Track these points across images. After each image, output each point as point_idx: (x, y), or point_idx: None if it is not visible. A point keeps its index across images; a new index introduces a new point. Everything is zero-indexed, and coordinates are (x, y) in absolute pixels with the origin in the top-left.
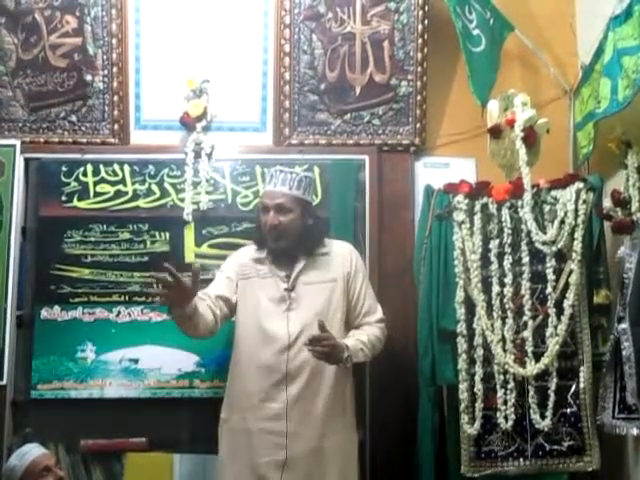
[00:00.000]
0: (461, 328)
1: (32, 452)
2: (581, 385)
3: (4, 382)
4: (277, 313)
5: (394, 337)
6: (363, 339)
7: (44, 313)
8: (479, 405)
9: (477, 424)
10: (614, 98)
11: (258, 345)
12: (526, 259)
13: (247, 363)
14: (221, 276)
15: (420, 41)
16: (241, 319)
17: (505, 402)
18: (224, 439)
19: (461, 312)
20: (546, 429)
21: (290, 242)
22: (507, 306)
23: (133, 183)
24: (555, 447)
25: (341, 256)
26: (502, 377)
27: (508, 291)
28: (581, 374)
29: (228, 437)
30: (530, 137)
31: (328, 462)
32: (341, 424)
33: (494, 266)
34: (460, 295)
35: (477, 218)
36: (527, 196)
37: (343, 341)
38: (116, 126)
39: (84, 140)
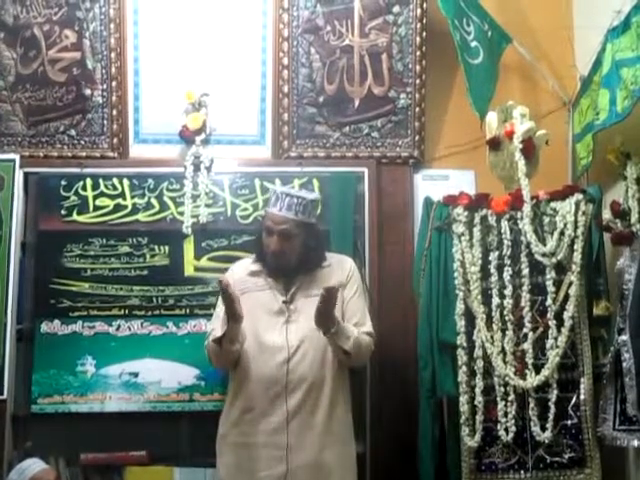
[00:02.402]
0: (461, 340)
1: (32, 468)
2: (581, 397)
3: (4, 396)
4: (276, 325)
5: (394, 349)
6: (355, 332)
7: (44, 327)
8: (479, 417)
9: (477, 436)
10: (613, 109)
11: (257, 358)
12: (526, 271)
13: (246, 376)
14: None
15: (418, 53)
16: None
17: (505, 414)
18: (223, 454)
19: (461, 324)
20: (547, 441)
21: (291, 263)
22: (507, 318)
23: (132, 197)
24: (556, 459)
25: (340, 269)
26: (502, 389)
27: (508, 303)
28: (581, 386)
29: (227, 452)
30: (529, 149)
31: (328, 475)
32: (340, 436)
33: (494, 278)
34: (460, 307)
35: (477, 230)
36: (526, 208)
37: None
38: (115, 140)
39: (83, 154)
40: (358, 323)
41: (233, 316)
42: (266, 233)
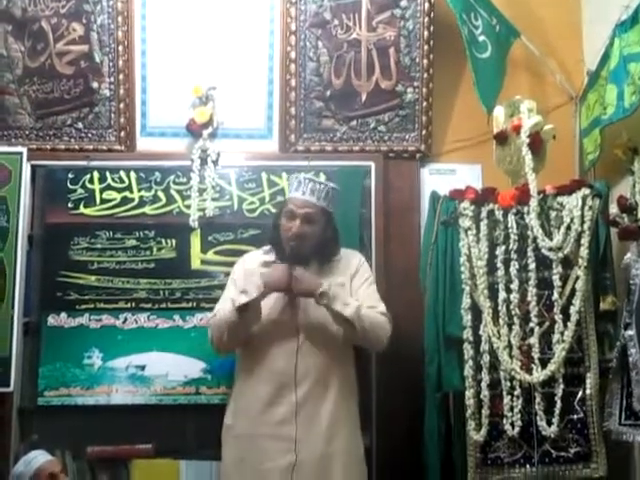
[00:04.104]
0: (467, 334)
1: (38, 459)
2: (587, 391)
3: (11, 389)
4: (285, 317)
5: (400, 343)
6: (355, 302)
7: (51, 320)
8: (485, 412)
9: (483, 431)
10: (620, 104)
11: (266, 348)
12: (532, 265)
13: (254, 367)
14: (232, 296)
15: (426, 48)
16: None
17: (511, 409)
18: (229, 445)
19: (467, 318)
20: (553, 436)
21: (308, 251)
22: (513, 312)
23: (139, 190)
24: (562, 454)
25: (349, 262)
26: (508, 384)
27: (514, 297)
28: (587, 380)
29: (233, 443)
30: (536, 143)
31: (336, 467)
32: (347, 428)
33: (500, 272)
34: (466, 301)
35: (483, 224)
36: (533, 202)
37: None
38: (122, 133)
39: (90, 147)
40: (372, 307)
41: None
42: (287, 218)
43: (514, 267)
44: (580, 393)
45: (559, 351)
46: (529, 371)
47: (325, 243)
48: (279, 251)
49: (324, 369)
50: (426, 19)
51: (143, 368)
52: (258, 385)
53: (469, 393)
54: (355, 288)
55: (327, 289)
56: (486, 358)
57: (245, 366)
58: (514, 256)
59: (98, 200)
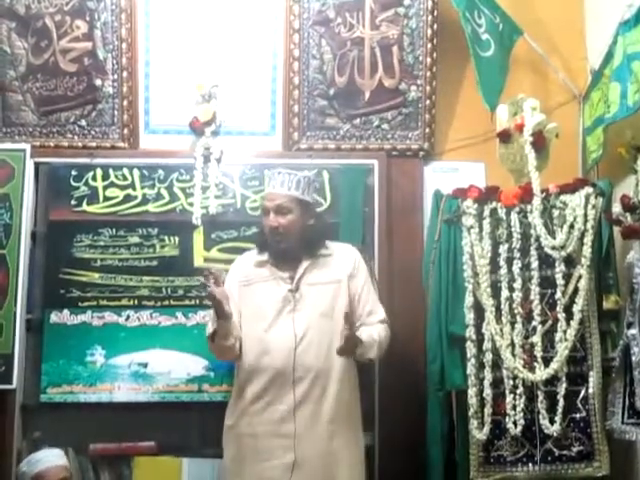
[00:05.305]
0: (470, 333)
1: (42, 462)
2: (590, 390)
3: (14, 386)
4: (282, 315)
5: (403, 342)
6: (375, 337)
7: (53, 317)
8: (488, 410)
9: (486, 429)
10: (624, 103)
11: (264, 348)
12: (535, 264)
13: (253, 366)
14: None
15: (429, 46)
16: (245, 324)
17: (514, 407)
18: (230, 445)
19: (470, 317)
20: (555, 434)
21: (291, 243)
22: (516, 311)
23: (142, 187)
24: (564, 452)
25: (344, 257)
26: (511, 382)
27: (517, 296)
28: (590, 379)
29: (234, 443)
30: (539, 142)
31: (336, 464)
32: (348, 425)
33: (503, 271)
34: (469, 300)
35: (486, 223)
36: (536, 201)
37: (358, 334)
38: (125, 130)
39: (94, 144)
40: (371, 312)
41: (221, 314)
42: (264, 215)
43: (517, 265)
44: (583, 392)
45: (562, 350)
46: (532, 369)
47: (308, 234)
48: (267, 248)
49: (323, 366)
50: (429, 17)
51: (146, 365)
52: (258, 384)
53: (472, 391)
54: (354, 290)
55: (362, 346)
56: (489, 356)
57: (245, 365)
58: (517, 254)
59: (101, 197)
